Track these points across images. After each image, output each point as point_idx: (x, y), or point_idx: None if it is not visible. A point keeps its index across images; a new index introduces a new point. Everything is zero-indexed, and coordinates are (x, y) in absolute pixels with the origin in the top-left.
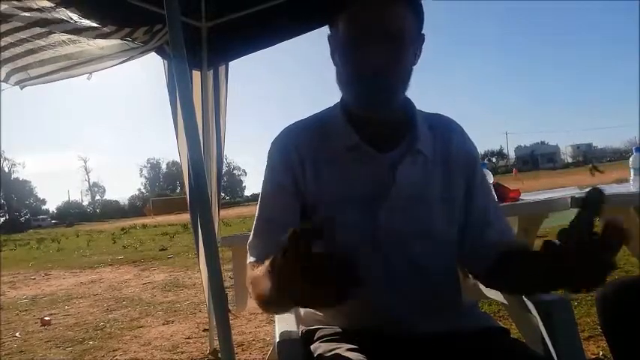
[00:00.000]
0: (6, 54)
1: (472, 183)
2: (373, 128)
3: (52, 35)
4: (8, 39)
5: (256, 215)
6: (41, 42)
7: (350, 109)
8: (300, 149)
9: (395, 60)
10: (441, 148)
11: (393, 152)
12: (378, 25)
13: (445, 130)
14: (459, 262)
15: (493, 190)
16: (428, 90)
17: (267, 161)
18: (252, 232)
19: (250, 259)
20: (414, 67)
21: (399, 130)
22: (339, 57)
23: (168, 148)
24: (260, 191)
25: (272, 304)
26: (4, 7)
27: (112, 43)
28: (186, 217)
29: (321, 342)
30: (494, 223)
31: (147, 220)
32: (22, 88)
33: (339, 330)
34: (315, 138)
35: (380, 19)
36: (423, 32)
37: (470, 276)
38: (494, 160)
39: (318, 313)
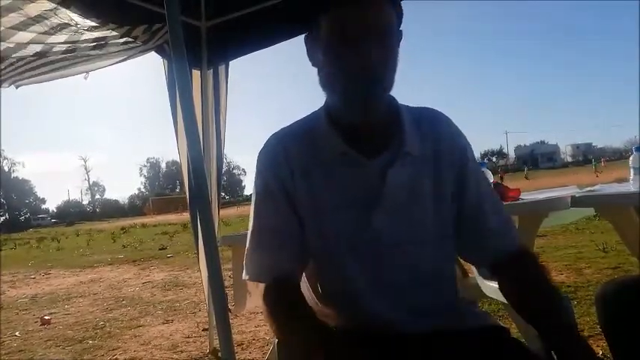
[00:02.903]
0: (3, 64)
1: (464, 172)
2: (359, 133)
3: (50, 46)
4: (6, 50)
5: (251, 228)
6: (38, 55)
7: (335, 113)
8: (288, 157)
9: (384, 58)
10: (430, 145)
11: (381, 156)
12: (365, 22)
13: (432, 124)
14: (460, 253)
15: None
16: (427, 89)
17: (257, 170)
18: (247, 245)
19: (245, 276)
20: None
21: (385, 133)
22: (324, 57)
23: (168, 147)
24: (252, 203)
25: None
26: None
27: (111, 44)
28: (185, 216)
29: None
30: (491, 211)
31: (146, 220)
32: (17, 88)
33: (338, 330)
34: (303, 145)
35: (366, 16)
36: (400, 29)
37: (470, 275)
38: (494, 159)
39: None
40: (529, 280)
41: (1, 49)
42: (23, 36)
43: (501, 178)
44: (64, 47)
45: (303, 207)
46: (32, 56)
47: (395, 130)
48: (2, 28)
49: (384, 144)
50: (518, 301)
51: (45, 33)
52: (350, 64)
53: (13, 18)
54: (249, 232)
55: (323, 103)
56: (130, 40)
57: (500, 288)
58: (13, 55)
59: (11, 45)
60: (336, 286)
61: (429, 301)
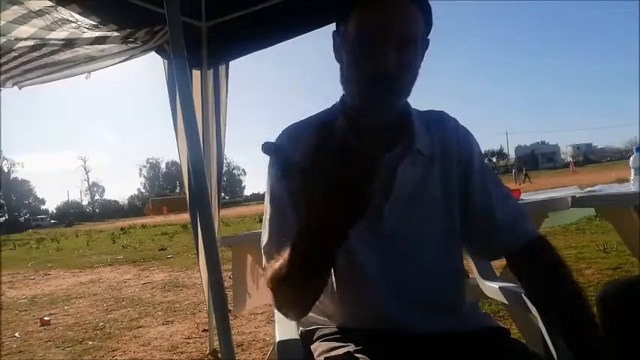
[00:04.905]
0: (4, 59)
1: (470, 169)
2: (372, 130)
3: (51, 42)
4: (6, 44)
5: (269, 218)
6: (38, 52)
7: (350, 109)
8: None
9: (407, 64)
10: (439, 146)
11: (392, 153)
12: (395, 27)
13: (440, 124)
14: (471, 250)
15: None
16: (425, 88)
17: (270, 162)
18: (266, 236)
19: (267, 263)
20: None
21: (396, 130)
22: (349, 56)
23: (168, 148)
24: (268, 194)
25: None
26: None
27: (111, 44)
28: (185, 216)
29: (320, 342)
30: (498, 205)
31: (146, 220)
32: (20, 89)
33: (339, 330)
34: None
35: (396, 21)
36: (428, 37)
37: (470, 275)
38: (494, 159)
39: (315, 315)
40: (541, 271)
41: (1, 42)
42: (24, 30)
43: (526, 175)
44: (64, 42)
45: None
46: (33, 53)
47: (406, 128)
48: (3, 22)
49: (395, 141)
50: (532, 293)
51: (46, 28)
52: (369, 68)
53: (14, 11)
54: (266, 223)
55: (325, 101)
56: (130, 40)
57: (520, 281)
58: (14, 48)
59: (11, 39)
60: (346, 275)
61: (431, 301)
